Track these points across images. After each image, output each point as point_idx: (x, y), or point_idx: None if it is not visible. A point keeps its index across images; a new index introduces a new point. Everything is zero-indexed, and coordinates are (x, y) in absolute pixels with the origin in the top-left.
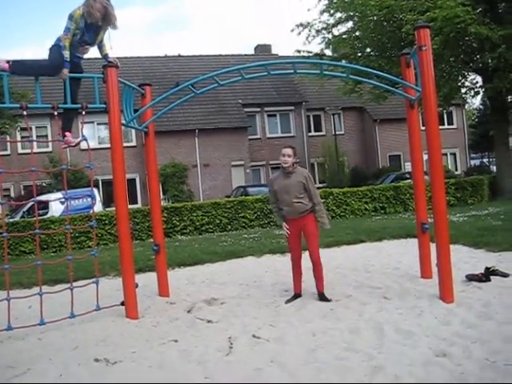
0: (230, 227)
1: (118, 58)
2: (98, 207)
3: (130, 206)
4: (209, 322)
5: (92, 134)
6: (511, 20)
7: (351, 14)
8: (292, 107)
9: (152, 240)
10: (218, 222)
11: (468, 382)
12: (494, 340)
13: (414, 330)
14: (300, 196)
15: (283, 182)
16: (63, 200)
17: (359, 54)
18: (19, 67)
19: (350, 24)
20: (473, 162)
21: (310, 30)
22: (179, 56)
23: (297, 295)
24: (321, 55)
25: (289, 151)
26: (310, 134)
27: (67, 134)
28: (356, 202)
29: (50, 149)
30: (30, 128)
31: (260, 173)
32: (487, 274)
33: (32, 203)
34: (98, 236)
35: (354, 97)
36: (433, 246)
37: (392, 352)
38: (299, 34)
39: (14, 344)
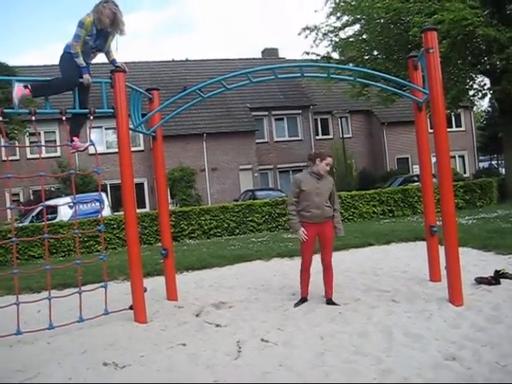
0: (238, 231)
1: (125, 62)
2: (107, 211)
3: (138, 210)
4: (217, 325)
5: (100, 138)
6: None
7: (358, 16)
8: (299, 111)
9: (160, 244)
10: (226, 225)
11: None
12: (503, 343)
13: (423, 333)
14: (327, 200)
15: (315, 184)
16: (72, 204)
17: (366, 57)
18: (38, 90)
19: (356, 27)
20: (481, 165)
21: (317, 34)
22: (186, 60)
23: (304, 299)
24: (328, 58)
25: (332, 161)
26: (317, 137)
27: (75, 138)
28: (364, 205)
29: (58, 154)
30: (39, 133)
31: (268, 176)
32: (497, 277)
33: (41, 208)
34: (107, 240)
35: (362, 100)
36: (441, 249)
37: (401, 355)
38: (306, 37)
39: (23, 348)
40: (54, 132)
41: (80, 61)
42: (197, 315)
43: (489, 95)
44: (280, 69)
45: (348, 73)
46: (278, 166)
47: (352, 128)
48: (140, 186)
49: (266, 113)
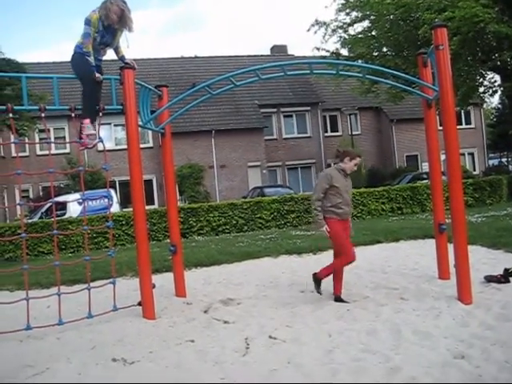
0: (246, 228)
1: (134, 59)
2: (115, 208)
3: (146, 207)
4: (225, 322)
5: (109, 135)
6: None
7: (367, 13)
8: (308, 108)
9: (169, 240)
10: (234, 222)
11: (486, 383)
12: None
13: (432, 331)
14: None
15: (344, 181)
16: (81, 201)
17: (375, 54)
18: (89, 109)
19: (366, 23)
20: (491, 162)
21: (326, 29)
22: (195, 57)
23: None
24: (337, 55)
25: (360, 161)
26: (326, 134)
27: (86, 121)
28: (373, 203)
29: (67, 150)
30: (48, 130)
31: (276, 173)
32: (506, 275)
33: (50, 204)
34: (116, 236)
35: (371, 97)
36: (450, 247)
37: (409, 353)
38: (315, 32)
39: (33, 343)
40: (64, 128)
41: (91, 59)
42: (205, 312)
43: (499, 92)
44: (289, 65)
45: (357, 69)
46: (287, 163)
47: (361, 125)
48: (149, 183)
49: (275, 110)
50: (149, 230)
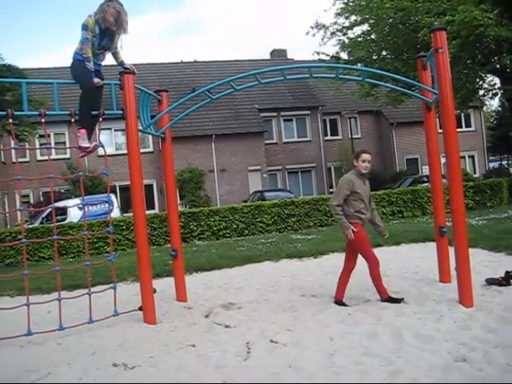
0: (247, 232)
1: (134, 64)
2: (116, 213)
3: (147, 212)
4: (226, 326)
5: (109, 140)
6: None
7: (366, 16)
8: (308, 111)
9: (169, 245)
10: (235, 226)
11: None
12: None
13: (433, 334)
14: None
15: (363, 186)
16: (81, 206)
17: (375, 57)
18: (82, 119)
19: (365, 27)
20: (491, 165)
21: (325, 32)
22: (195, 62)
23: (393, 299)
24: (337, 58)
25: (370, 157)
26: (326, 138)
27: (82, 131)
28: None
29: (68, 155)
30: (48, 135)
31: (277, 177)
32: (507, 278)
33: (51, 209)
34: (116, 241)
35: (370, 100)
36: (451, 250)
37: (411, 357)
38: (314, 35)
39: (33, 349)
40: (64, 134)
41: (90, 65)
42: (206, 316)
43: (499, 95)
44: (288, 69)
45: (356, 73)
46: (287, 167)
47: (361, 129)
48: (149, 188)
49: (275, 114)
50: (149, 235)
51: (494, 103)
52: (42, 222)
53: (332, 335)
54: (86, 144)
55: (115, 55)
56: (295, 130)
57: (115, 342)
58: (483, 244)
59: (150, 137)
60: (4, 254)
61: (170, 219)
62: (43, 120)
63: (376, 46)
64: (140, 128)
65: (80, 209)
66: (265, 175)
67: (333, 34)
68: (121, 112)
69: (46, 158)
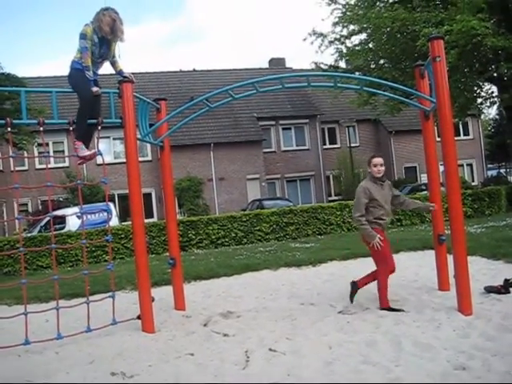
0: (245, 240)
1: (133, 73)
2: (114, 221)
3: (145, 220)
4: (225, 335)
5: (108, 148)
6: None
7: (364, 25)
8: (306, 120)
9: (168, 254)
10: (233, 235)
11: None
12: None
13: (432, 342)
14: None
15: (381, 191)
16: (80, 214)
17: (373, 66)
18: (78, 129)
19: (363, 36)
20: (490, 173)
21: (322, 40)
22: (194, 71)
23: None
24: (335, 67)
25: (381, 160)
26: (324, 146)
27: (77, 143)
28: None
29: (66, 164)
30: (47, 144)
31: (275, 186)
32: (506, 286)
33: (49, 218)
34: (115, 250)
35: (369, 109)
36: (450, 258)
37: (410, 365)
38: (312, 43)
39: (31, 358)
40: (63, 142)
41: (90, 74)
42: (205, 325)
43: (497, 103)
44: (287, 78)
45: (355, 82)
46: (286, 176)
47: (359, 137)
48: (148, 196)
49: (273, 122)
50: (148, 244)
51: (491, 111)
52: (40, 231)
53: (331, 343)
54: (85, 152)
55: (114, 64)
56: (294, 138)
57: (113, 350)
58: (482, 252)
59: (149, 145)
60: (2, 262)
61: (168, 228)
62: (42, 128)
63: (374, 54)
64: (139, 136)
65: (78, 217)
66: (263, 184)
67: (331, 42)
68: (119, 120)
69: (45, 166)
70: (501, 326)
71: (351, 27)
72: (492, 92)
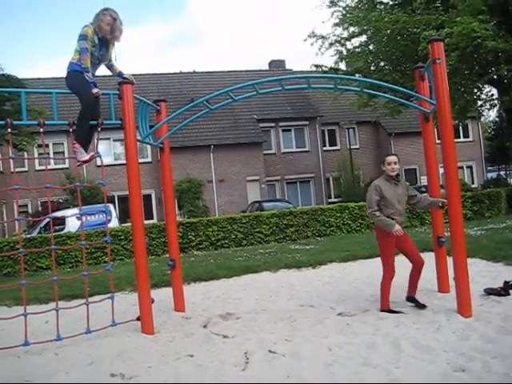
0: (245, 242)
1: (133, 74)
2: (114, 223)
3: (145, 222)
4: (224, 337)
5: (108, 150)
6: None
7: (365, 28)
8: (307, 122)
9: (167, 255)
10: (233, 237)
11: None
12: None
13: (432, 344)
14: (404, 207)
15: (394, 189)
16: (79, 216)
17: (373, 68)
18: (79, 131)
19: (363, 38)
20: (489, 175)
21: (323, 42)
22: (194, 72)
23: (392, 310)
24: (335, 70)
25: (395, 158)
26: (324, 148)
27: (76, 145)
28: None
29: (66, 165)
30: (47, 145)
31: (275, 188)
32: (506, 288)
33: (49, 219)
34: (114, 251)
35: (369, 111)
36: (450, 260)
37: (409, 367)
38: (312, 44)
39: (30, 359)
40: (62, 144)
41: (89, 75)
42: (204, 326)
43: (497, 105)
44: (287, 80)
45: (355, 84)
46: (286, 178)
47: (359, 139)
48: (147, 198)
49: (273, 124)
50: (148, 245)
51: (491, 114)
52: (40, 232)
53: (330, 345)
54: (84, 157)
55: (111, 68)
56: (294, 140)
57: (113, 352)
58: (482, 254)
59: (149, 147)
60: (2, 263)
61: (168, 229)
62: (42, 129)
63: (374, 56)
64: (139, 138)
65: (78, 219)
66: (263, 185)
67: (331, 44)
68: (119, 122)
69: (44, 167)
70: (501, 328)
71: (351, 29)
72: (492, 94)
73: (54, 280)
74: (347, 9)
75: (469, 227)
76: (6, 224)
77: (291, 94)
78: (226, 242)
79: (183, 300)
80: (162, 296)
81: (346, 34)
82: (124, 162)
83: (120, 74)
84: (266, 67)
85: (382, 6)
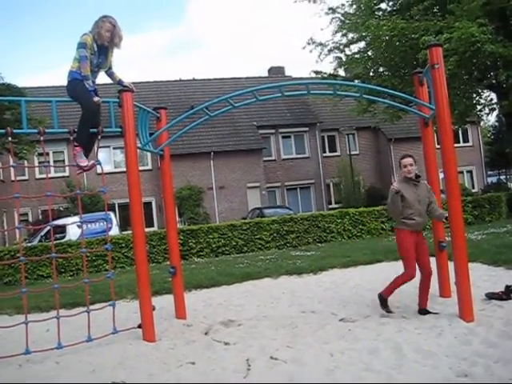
0: (246, 249)
1: (133, 82)
2: (115, 231)
3: (146, 229)
4: (226, 343)
5: (108, 158)
6: None
7: (363, 34)
8: (306, 128)
9: (168, 262)
10: (234, 243)
11: None
12: None
13: (434, 349)
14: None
15: (413, 190)
16: (80, 224)
17: (372, 74)
18: (80, 137)
19: (362, 44)
20: (490, 180)
21: (322, 49)
22: (193, 79)
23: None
24: (334, 76)
25: (411, 160)
26: (324, 154)
27: (77, 148)
28: (372, 222)
29: (67, 173)
30: (47, 153)
31: (275, 194)
32: (507, 292)
33: (49, 227)
34: (115, 259)
35: (368, 116)
36: (451, 265)
37: (412, 372)
38: (311, 51)
39: (32, 367)
40: (63, 152)
41: (89, 83)
42: (205, 333)
43: (496, 110)
44: (286, 86)
45: (354, 89)
46: (286, 184)
47: (359, 145)
48: (148, 205)
49: (273, 131)
50: (148, 252)
51: (491, 118)
52: (40, 240)
53: (332, 351)
54: (83, 162)
55: (111, 76)
56: (293, 146)
57: (114, 360)
58: (483, 258)
59: (149, 154)
60: (2, 272)
61: (168, 236)
62: (42, 138)
63: (373, 62)
64: (139, 145)
65: (79, 227)
66: (264, 192)
67: (330, 51)
68: (120, 130)
69: (45, 176)
70: (502, 332)
71: (350, 35)
72: (491, 99)
73: (55, 288)
74: (346, 15)
75: (469, 232)
76: (6, 232)
77: (291, 100)
78: (227, 248)
79: (184, 307)
80: (163, 303)
81: (344, 41)
82: (124, 169)
83: (120, 82)
84: (266, 74)
85: (381, 13)
